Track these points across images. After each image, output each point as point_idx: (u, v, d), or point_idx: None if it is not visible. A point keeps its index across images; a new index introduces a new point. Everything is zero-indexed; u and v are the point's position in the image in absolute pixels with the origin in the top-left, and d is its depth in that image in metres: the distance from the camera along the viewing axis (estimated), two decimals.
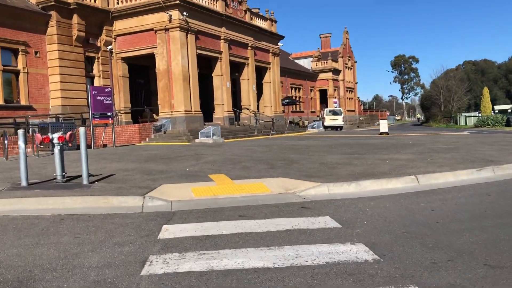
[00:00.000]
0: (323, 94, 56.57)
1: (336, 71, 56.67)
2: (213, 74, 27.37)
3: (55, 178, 8.44)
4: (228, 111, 27.40)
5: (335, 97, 56.15)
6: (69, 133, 8.39)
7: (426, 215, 5.75)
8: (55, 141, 8.27)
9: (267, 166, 10.29)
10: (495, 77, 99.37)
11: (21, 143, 8.00)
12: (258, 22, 31.75)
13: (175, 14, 23.25)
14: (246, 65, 29.99)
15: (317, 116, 51.35)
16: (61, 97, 22.44)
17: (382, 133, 26.30)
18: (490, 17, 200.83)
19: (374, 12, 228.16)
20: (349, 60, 61.34)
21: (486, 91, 57.93)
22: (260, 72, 32.79)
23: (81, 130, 8.11)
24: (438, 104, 55.17)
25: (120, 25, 24.96)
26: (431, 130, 37.93)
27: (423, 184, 8.05)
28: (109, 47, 25.01)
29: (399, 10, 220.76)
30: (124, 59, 25.46)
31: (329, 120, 40.60)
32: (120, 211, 6.48)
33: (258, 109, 31.58)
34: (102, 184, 8.21)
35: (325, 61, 55.86)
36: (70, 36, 22.98)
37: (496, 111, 56.95)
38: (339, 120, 41.41)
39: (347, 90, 59.94)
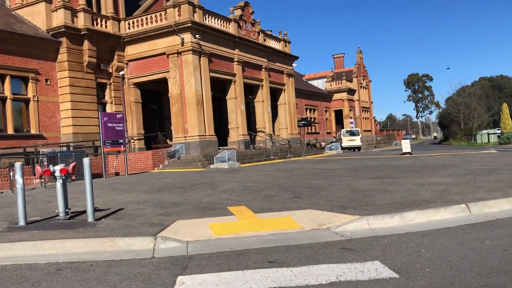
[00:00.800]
0: (339, 114, 55.57)
1: (351, 91, 55.77)
2: (227, 97, 26.67)
3: (58, 215, 7.56)
4: (243, 135, 26.56)
5: (351, 117, 55.09)
6: (72, 164, 7.53)
7: (499, 257, 4.68)
8: (57, 174, 7.43)
9: (291, 195, 9.28)
10: None
11: (18, 177, 7.16)
12: (272, 43, 31.17)
13: (188, 37, 22.71)
14: (260, 87, 29.27)
15: (334, 137, 50.28)
16: (72, 125, 21.86)
17: (405, 153, 25.11)
18: (504, 33, 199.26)
19: (385, 32, 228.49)
20: (363, 79, 60.47)
21: (505, 107, 56.35)
22: (275, 94, 32.04)
23: (85, 161, 7.25)
24: (458, 122, 53.62)
25: (131, 50, 24.51)
26: (454, 148, 36.54)
27: (476, 214, 6.96)
28: (121, 72, 24.53)
29: (411, 29, 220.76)
30: (137, 85, 24.92)
31: (347, 141, 39.55)
32: (128, 255, 5.53)
33: (273, 131, 30.70)
34: (109, 221, 7.29)
35: (340, 81, 55.06)
36: (81, 62, 22.54)
37: None
38: (356, 141, 40.34)
39: (362, 110, 58.88)
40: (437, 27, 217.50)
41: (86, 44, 22.61)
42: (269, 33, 31.31)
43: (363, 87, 60.41)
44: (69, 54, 22.01)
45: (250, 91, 29.45)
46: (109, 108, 24.11)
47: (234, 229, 6.45)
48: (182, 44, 22.80)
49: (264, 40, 30.04)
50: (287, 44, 33.25)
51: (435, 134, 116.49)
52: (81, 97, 22.32)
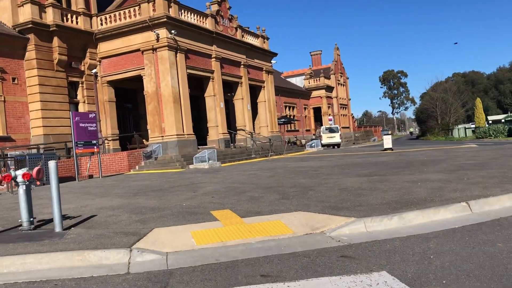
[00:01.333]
0: (317, 112, 55.38)
1: (329, 88, 55.65)
2: (205, 95, 25.93)
3: (21, 225, 6.79)
4: (223, 133, 25.88)
5: (329, 115, 54.98)
6: (36, 168, 6.76)
7: None
8: (19, 179, 6.65)
9: (278, 195, 8.70)
10: (485, 88, 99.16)
11: None
12: (250, 40, 30.55)
13: (163, 32, 21.88)
14: (239, 84, 28.62)
15: (313, 134, 50.00)
16: (43, 126, 20.79)
17: (386, 149, 24.87)
18: (476, 29, 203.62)
19: (360, 29, 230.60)
20: (341, 76, 60.45)
21: (478, 102, 57.07)
22: (254, 91, 31.45)
23: (51, 164, 6.49)
24: (435, 117, 54.07)
25: (104, 47, 23.52)
26: (433, 143, 36.66)
27: (477, 213, 6.51)
28: (94, 70, 23.52)
29: (385, 26, 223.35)
30: (110, 83, 23.95)
31: (326, 138, 39.29)
32: (99, 271, 4.85)
33: (253, 129, 30.10)
34: (79, 230, 6.57)
35: (318, 79, 54.86)
36: (50, 60, 21.47)
37: (490, 122, 56.05)
38: (336, 138, 40.14)
39: (340, 107, 58.86)
40: (412, 24, 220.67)
41: (56, 41, 21.54)
42: (247, 29, 30.66)
43: (341, 84, 60.39)
44: (38, 51, 20.91)
45: (229, 88, 28.78)
46: (81, 108, 23.09)
47: (219, 236, 5.83)
48: (157, 40, 21.97)
49: (242, 36, 29.39)
50: (265, 40, 32.68)
51: (411, 129, 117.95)
52: (51, 96, 21.26)
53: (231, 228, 6.19)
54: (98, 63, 23.76)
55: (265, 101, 31.83)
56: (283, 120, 38.18)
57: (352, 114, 64.78)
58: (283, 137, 35.81)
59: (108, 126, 23.76)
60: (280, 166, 16.95)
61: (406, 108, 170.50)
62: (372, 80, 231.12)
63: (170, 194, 10.13)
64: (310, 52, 63.07)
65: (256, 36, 31.57)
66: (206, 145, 25.68)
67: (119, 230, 6.40)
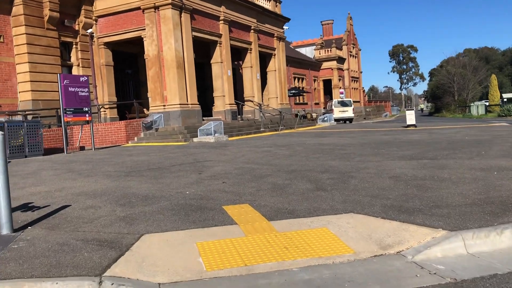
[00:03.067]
0: (327, 84, 52.89)
1: (340, 60, 52.95)
2: (211, 62, 23.64)
3: None
4: (230, 104, 23.70)
5: (340, 87, 52.51)
6: None
7: None
8: None
9: (310, 185, 6.65)
10: (500, 64, 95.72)
11: None
12: (261, 2, 27.97)
13: None
14: (249, 51, 26.25)
15: (324, 108, 47.74)
16: (31, 91, 18.68)
17: (409, 125, 22.74)
18: (488, 5, 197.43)
19: (371, 4, 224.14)
20: (353, 47, 57.62)
21: (494, 79, 54.34)
22: (264, 60, 29.07)
23: None
24: (452, 93, 51.49)
25: (101, 4, 21.13)
26: (453, 121, 34.39)
27: None
28: (89, 30, 21.20)
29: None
30: (108, 45, 21.66)
31: (338, 112, 37.06)
32: None
33: (262, 101, 27.90)
34: (37, 232, 4.58)
35: (329, 49, 52.10)
36: (41, 17, 19.15)
37: (505, 99, 53.43)
38: (349, 112, 37.91)
39: (352, 80, 56.29)
40: None
41: None
42: None
43: (353, 56, 57.63)
44: (26, 6, 18.58)
45: (237, 55, 26.42)
46: (75, 71, 20.88)
47: (240, 255, 3.81)
48: None
49: None
50: (277, 3, 30.06)
51: (422, 105, 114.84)
52: (41, 57, 19.05)
53: (256, 239, 4.16)
54: (94, 22, 21.41)
55: (275, 71, 29.49)
56: (292, 91, 35.88)
57: (363, 88, 62.23)
58: (293, 110, 33.60)
59: (105, 92, 21.61)
60: (297, 142, 14.87)
61: (415, 84, 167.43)
62: (379, 54, 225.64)
63: (170, 176, 8.11)
64: (321, 22, 60.07)
65: None
66: (212, 116, 23.58)
67: (92, 235, 4.40)
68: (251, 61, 26.39)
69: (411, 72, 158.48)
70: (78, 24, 21.02)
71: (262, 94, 28.40)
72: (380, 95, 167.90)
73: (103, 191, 6.81)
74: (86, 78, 15.36)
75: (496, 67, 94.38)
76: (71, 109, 14.70)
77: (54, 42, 19.79)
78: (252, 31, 26.32)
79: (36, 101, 18.81)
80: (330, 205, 5.27)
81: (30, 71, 18.62)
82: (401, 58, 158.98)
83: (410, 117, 22.98)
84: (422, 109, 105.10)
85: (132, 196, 6.31)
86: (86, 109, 15.23)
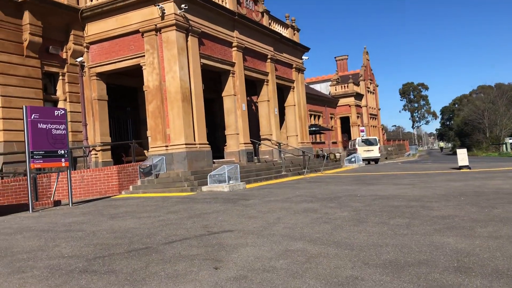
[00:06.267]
0: (344, 122, 49.35)
1: (358, 96, 49.64)
2: (223, 94, 20.18)
3: None
4: (245, 144, 20.03)
5: (359, 125, 48.92)
6: None
7: None
8: None
9: None
10: None
11: None
12: (278, 29, 24.85)
13: (170, 7, 16.27)
14: (265, 83, 22.85)
15: (345, 147, 43.92)
16: (3, 130, 15.20)
17: (461, 167, 18.85)
18: (499, 42, 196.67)
19: (377, 42, 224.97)
20: (370, 83, 54.49)
21: None
22: (281, 93, 25.66)
23: None
24: (482, 129, 47.55)
25: (94, 29, 17.97)
26: (499, 160, 30.35)
27: None
28: (79, 59, 17.96)
29: (403, 38, 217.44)
30: (101, 76, 18.34)
31: (363, 152, 33.18)
32: None
33: (280, 139, 24.23)
34: None
35: (346, 85, 48.90)
36: (19, 42, 15.96)
37: None
38: (375, 152, 34.07)
39: (370, 117, 52.78)
40: (428, 35, 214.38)
41: (27, 16, 16.03)
42: (274, 17, 24.97)
43: (371, 92, 54.41)
44: (1, 29, 15.43)
45: (250, 90, 22.99)
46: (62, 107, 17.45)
47: None
48: (162, 17, 16.36)
49: (269, 23, 23.71)
50: (295, 32, 26.95)
51: (442, 144, 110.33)
52: (18, 90, 15.69)
53: None
54: (85, 49, 18.20)
55: (294, 105, 25.99)
56: (313, 128, 32.30)
57: (382, 125, 58.62)
58: (314, 149, 29.87)
59: (96, 131, 18.08)
60: (343, 193, 10.98)
61: (427, 122, 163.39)
62: (387, 92, 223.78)
63: (161, 275, 4.29)
64: (335, 57, 57.33)
65: (285, 26, 25.87)
66: (223, 158, 19.88)
67: None
68: (267, 94, 22.93)
69: (423, 110, 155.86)
70: (66, 52, 17.78)
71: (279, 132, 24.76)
72: (389, 134, 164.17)
73: None
74: (63, 111, 11.80)
75: None
76: (40, 152, 11.06)
77: (35, 72, 16.48)
78: (268, 60, 23.01)
79: (9, 143, 15.27)
80: None
81: (2, 107, 15.22)
82: (412, 97, 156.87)
83: (462, 156, 19.09)
84: (442, 148, 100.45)
85: None
86: (62, 151, 11.59)
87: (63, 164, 11.62)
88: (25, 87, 16.01)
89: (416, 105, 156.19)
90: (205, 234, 6.36)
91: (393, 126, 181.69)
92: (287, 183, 15.76)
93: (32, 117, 10.93)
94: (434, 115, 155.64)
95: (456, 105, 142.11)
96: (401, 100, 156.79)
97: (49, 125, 11.30)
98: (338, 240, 5.43)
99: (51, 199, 12.44)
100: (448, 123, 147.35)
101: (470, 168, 18.64)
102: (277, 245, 5.36)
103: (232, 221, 7.37)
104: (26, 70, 16.13)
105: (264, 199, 10.55)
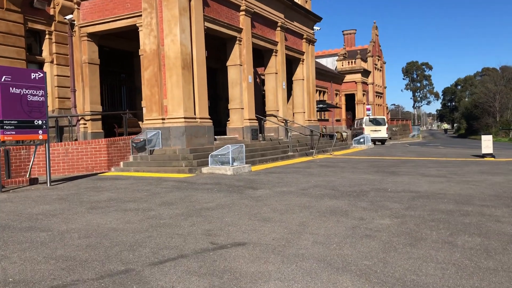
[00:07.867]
0: (348, 99, 47.48)
1: (365, 73, 47.62)
2: (228, 64, 18.31)
3: None
4: (250, 120, 18.30)
5: (364, 103, 47.11)
6: None
7: None
8: None
9: None
10: None
11: None
12: None
13: None
14: (273, 53, 20.92)
15: (350, 126, 42.26)
16: None
17: (485, 155, 17.27)
18: (505, 24, 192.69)
19: (384, 18, 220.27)
20: (378, 60, 52.37)
21: None
22: (290, 66, 23.76)
23: None
24: (493, 113, 45.79)
25: None
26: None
27: None
28: (69, 16, 15.99)
29: (410, 15, 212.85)
30: (93, 37, 16.42)
31: (370, 132, 31.50)
32: None
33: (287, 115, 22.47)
34: None
35: (353, 61, 46.81)
36: None
37: None
38: (382, 132, 32.40)
39: (376, 95, 50.89)
40: (436, 13, 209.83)
41: None
42: None
43: (378, 69, 52.34)
44: None
45: (258, 58, 21.09)
46: (48, 70, 15.62)
47: None
48: None
49: None
50: None
51: (445, 126, 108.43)
52: None
53: None
54: (75, 5, 16.20)
55: (303, 79, 24.14)
56: (320, 105, 30.49)
57: (386, 104, 56.82)
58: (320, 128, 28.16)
59: (86, 99, 16.29)
60: (368, 184, 9.32)
61: (428, 103, 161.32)
62: (395, 71, 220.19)
63: None
64: (342, 31, 54.92)
65: None
66: (226, 134, 18.18)
67: None
68: (276, 66, 21.03)
69: (425, 90, 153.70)
70: (54, 8, 15.81)
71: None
72: (390, 113, 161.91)
73: None
74: (42, 74, 9.98)
75: None
76: (12, 122, 9.32)
77: (18, 29, 14.55)
78: (278, 28, 21.01)
79: None
80: None
81: None
82: (415, 76, 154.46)
83: (487, 143, 17.47)
84: (446, 130, 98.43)
85: None
86: (40, 122, 9.85)
87: (41, 137, 9.90)
88: (5, 45, 14.12)
89: (418, 84, 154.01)
90: (208, 248, 4.71)
91: (392, 104, 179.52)
92: (297, 167, 14.11)
93: (3, 79, 9.14)
94: (436, 95, 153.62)
95: (459, 87, 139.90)
96: (403, 79, 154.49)
97: (24, 89, 9.53)
98: (399, 277, 3.80)
99: (27, 176, 10.77)
100: (449, 104, 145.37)
101: (494, 157, 17.04)
102: (314, 282, 3.72)
103: (242, 225, 5.73)
104: (6, 25, 14.20)
105: (276, 189, 8.91)
